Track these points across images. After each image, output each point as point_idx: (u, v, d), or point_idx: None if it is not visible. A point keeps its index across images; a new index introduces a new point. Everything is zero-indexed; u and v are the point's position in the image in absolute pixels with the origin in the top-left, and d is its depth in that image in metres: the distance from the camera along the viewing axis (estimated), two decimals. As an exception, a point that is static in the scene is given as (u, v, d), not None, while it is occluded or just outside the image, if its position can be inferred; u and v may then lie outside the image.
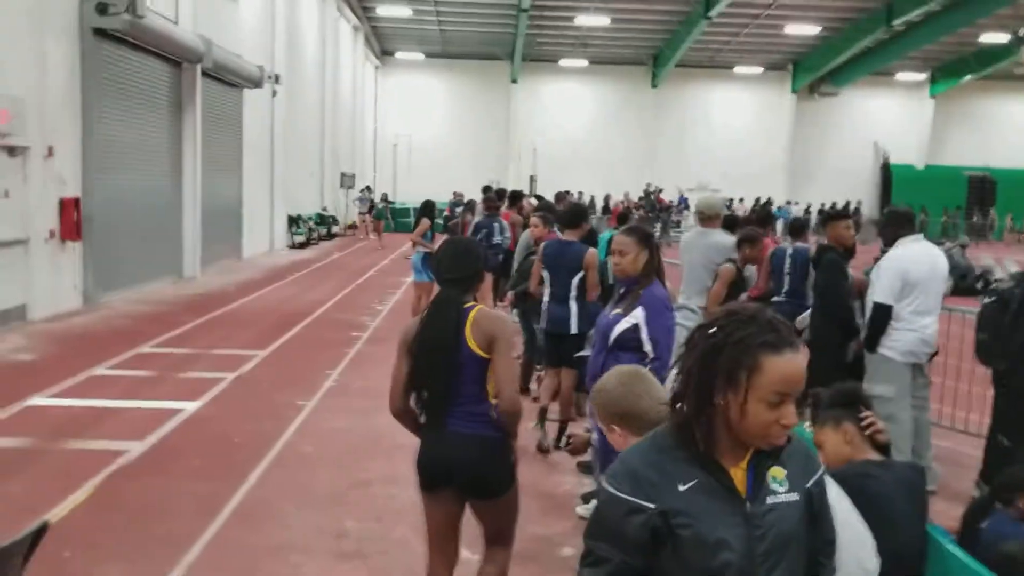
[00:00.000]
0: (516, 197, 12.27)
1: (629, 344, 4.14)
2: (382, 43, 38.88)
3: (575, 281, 6.27)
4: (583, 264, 6.27)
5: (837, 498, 2.62)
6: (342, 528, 4.99)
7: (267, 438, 6.58)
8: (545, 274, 6.46)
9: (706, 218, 7.02)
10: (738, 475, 1.80)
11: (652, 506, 1.76)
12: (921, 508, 3.12)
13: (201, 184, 16.56)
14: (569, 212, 6.85)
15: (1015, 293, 5.58)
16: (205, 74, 16.60)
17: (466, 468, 3.30)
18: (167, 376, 8.50)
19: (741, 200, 34.71)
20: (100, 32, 12.37)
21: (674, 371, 1.93)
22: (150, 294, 13.97)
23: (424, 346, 3.28)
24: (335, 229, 28.98)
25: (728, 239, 6.93)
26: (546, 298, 6.44)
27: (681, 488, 1.77)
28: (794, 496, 1.83)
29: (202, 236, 16.68)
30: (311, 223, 25.84)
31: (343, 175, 30.38)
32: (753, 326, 1.76)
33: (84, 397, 7.59)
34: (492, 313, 3.41)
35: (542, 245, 7.01)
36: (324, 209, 28.56)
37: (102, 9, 12.01)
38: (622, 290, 4.27)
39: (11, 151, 10.50)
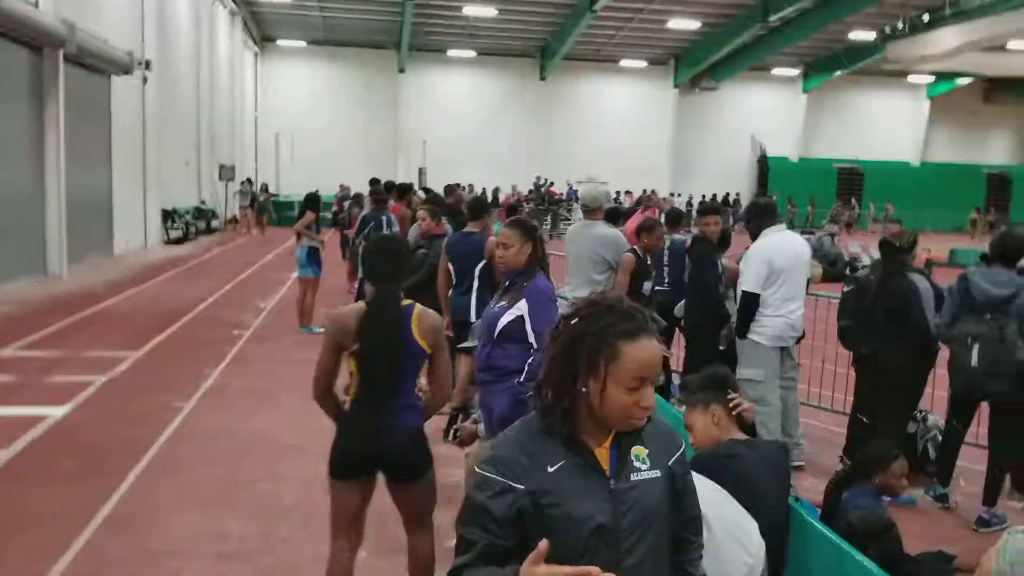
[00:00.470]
0: (404, 190, 12.17)
1: (514, 336, 4.17)
2: (262, 29, 37.78)
3: (477, 271, 6.53)
4: (485, 253, 6.46)
5: (711, 491, 2.72)
6: (224, 530, 4.86)
7: (142, 442, 6.33)
8: (451, 266, 6.72)
9: (590, 210, 7.14)
10: (602, 455, 1.89)
11: (521, 486, 1.82)
12: (784, 484, 3.28)
13: (66, 176, 15.66)
14: (472, 204, 7.20)
15: (872, 280, 5.92)
16: (68, 60, 15.73)
17: (397, 456, 3.49)
18: (31, 381, 8.07)
19: (628, 192, 35.43)
20: (-49, 15, 11.59)
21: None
22: (10, 294, 13.16)
23: (372, 342, 3.40)
24: (215, 223, 28.06)
25: (611, 231, 7.06)
26: (452, 290, 6.70)
27: (550, 469, 1.84)
28: (656, 473, 1.93)
29: (68, 231, 15.78)
30: (188, 217, 24.92)
31: (222, 167, 29.39)
32: (611, 315, 1.85)
33: (-61, 404, 7.14)
34: (431, 312, 3.58)
35: (446, 238, 7.15)
36: (202, 202, 27.58)
37: (-47, -10, 11.26)
38: (507, 283, 4.29)
39: None
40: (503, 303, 4.22)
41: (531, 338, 4.12)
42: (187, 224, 24.54)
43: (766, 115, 42.94)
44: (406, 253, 3.66)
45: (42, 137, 15.17)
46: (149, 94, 21.35)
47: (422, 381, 3.78)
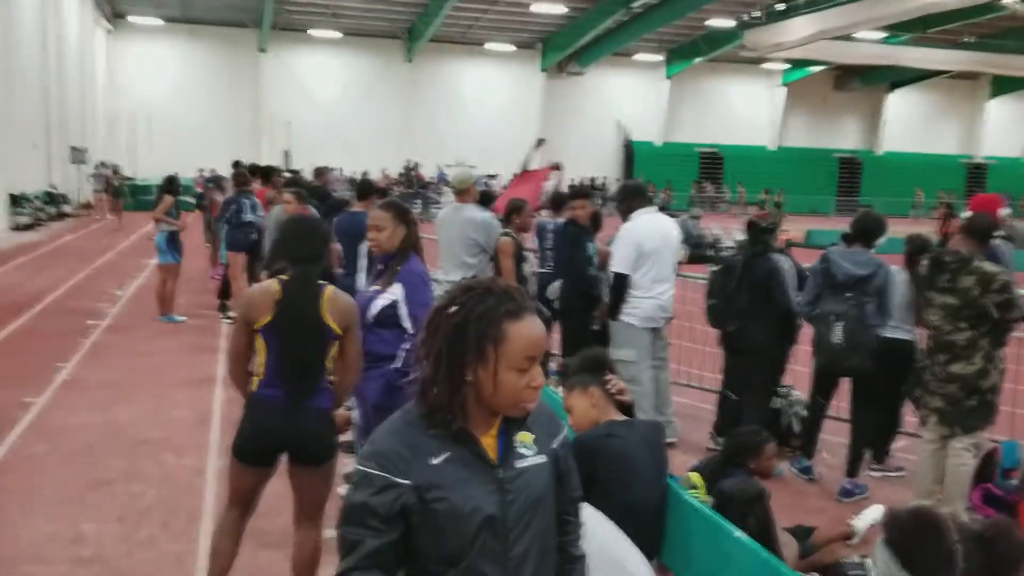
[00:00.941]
0: (268, 173, 11.78)
1: (388, 321, 4.10)
2: (113, 5, 35.78)
3: (363, 250, 6.58)
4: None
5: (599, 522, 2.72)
6: (79, 532, 4.58)
7: (-12, 442, 5.91)
8: (338, 247, 6.79)
9: (459, 192, 7.10)
10: (488, 443, 1.83)
11: (405, 482, 1.75)
12: (661, 462, 3.36)
13: None
14: (360, 185, 7.70)
15: (738, 260, 6.13)
16: None
17: (305, 438, 3.46)
18: None
19: (495, 176, 35.58)
20: None
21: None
22: None
23: (291, 325, 3.39)
24: (67, 209, 26.46)
25: (483, 214, 7.05)
26: (339, 270, 6.75)
27: (433, 461, 1.77)
28: (542, 458, 1.89)
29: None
30: (38, 202, 23.41)
31: (73, 149, 27.71)
32: (492, 298, 1.79)
33: None
34: (343, 294, 3.55)
35: (335, 219, 7.16)
36: (53, 187, 25.94)
37: None
38: (380, 266, 4.22)
39: None
40: (376, 287, 4.15)
41: (406, 323, 4.06)
42: (37, 209, 23.05)
43: (631, 100, 43.92)
44: (326, 234, 3.65)
45: None
46: (-12, 71, 19.86)
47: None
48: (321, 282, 3.50)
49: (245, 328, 3.46)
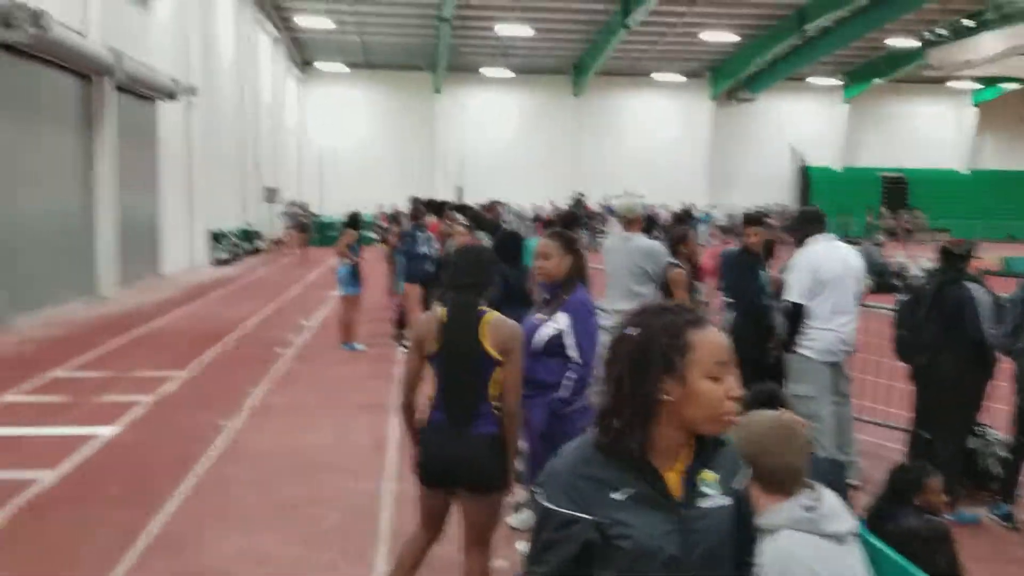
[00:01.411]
0: (441, 207, 12.19)
1: (553, 349, 4.11)
2: (303, 53, 38.36)
3: None
4: None
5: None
6: (266, 553, 4.83)
7: (188, 461, 6.36)
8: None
9: (627, 222, 7.05)
10: (673, 480, 1.76)
11: (588, 517, 1.71)
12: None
13: (115, 200, 16.01)
14: (564, 216, 8.25)
15: (927, 289, 5.73)
16: (117, 87, 16.09)
17: (475, 465, 3.49)
18: (81, 401, 8.16)
19: (664, 207, 35.17)
20: (3, 46, 11.87)
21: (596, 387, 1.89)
22: (63, 316, 13.42)
23: (451, 352, 3.48)
24: (260, 244, 28.42)
25: (651, 242, 6.97)
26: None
27: (615, 496, 1.72)
28: (727, 500, 1.82)
29: (118, 254, 16.13)
30: (234, 238, 25.28)
31: (267, 189, 29.81)
32: (668, 313, 1.77)
33: (-9, 426, 7.24)
34: (506, 320, 3.57)
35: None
36: (248, 225, 27.96)
37: (5, 22, 11.52)
38: (546, 296, 4.23)
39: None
40: (542, 316, 4.16)
41: (571, 352, 4.05)
42: (234, 245, 24.88)
43: (806, 125, 42.49)
44: (488, 263, 3.66)
45: (92, 162, 15.50)
46: (195, 119, 21.72)
47: None
48: (483, 308, 3.52)
49: (417, 354, 3.56)
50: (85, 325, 12.74)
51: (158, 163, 19.51)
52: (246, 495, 5.76)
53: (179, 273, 20.44)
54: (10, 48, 12.11)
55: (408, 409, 3.64)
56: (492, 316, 3.52)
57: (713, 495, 1.79)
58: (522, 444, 4.60)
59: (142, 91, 17.67)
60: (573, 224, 8.62)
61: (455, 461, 3.50)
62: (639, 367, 1.73)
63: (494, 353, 3.45)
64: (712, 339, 1.74)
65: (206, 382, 9.15)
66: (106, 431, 7.11)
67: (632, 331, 1.77)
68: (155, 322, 13.12)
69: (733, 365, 1.76)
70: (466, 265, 3.61)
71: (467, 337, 3.45)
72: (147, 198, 18.89)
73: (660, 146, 40.96)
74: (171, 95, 19.07)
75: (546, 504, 1.74)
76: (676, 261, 6.71)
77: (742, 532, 1.89)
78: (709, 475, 1.80)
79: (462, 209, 11.86)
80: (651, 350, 1.72)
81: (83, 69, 14.63)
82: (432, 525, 3.68)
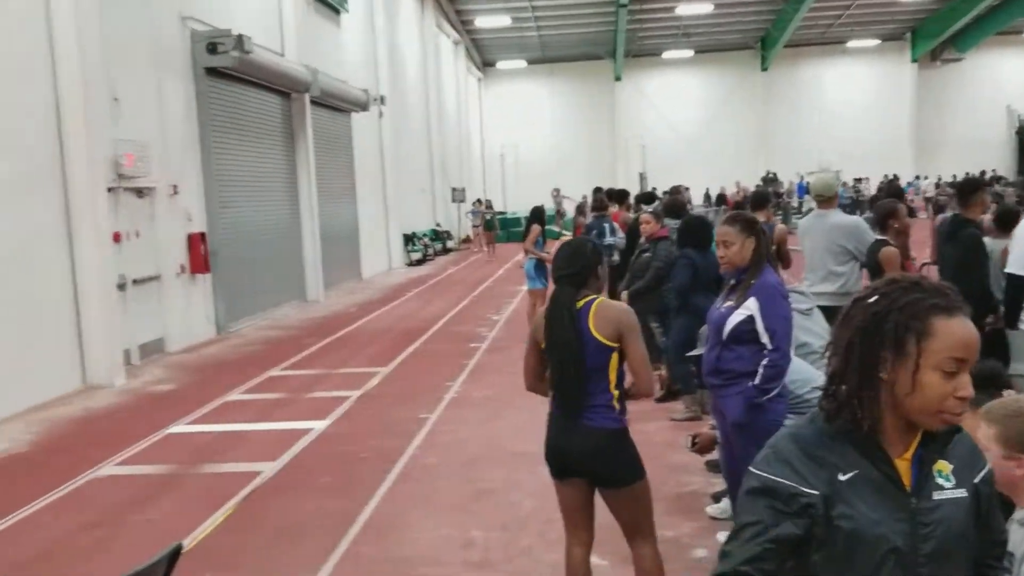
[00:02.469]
0: (623, 196, 12.12)
1: (744, 337, 3.98)
2: (483, 54, 39.30)
3: None
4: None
5: None
6: (469, 538, 5.00)
7: (392, 452, 6.69)
8: None
9: (824, 199, 6.71)
10: (902, 466, 1.65)
11: (814, 492, 1.61)
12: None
13: (318, 209, 17.10)
14: (754, 196, 8.01)
15: None
16: (313, 102, 17.15)
17: (592, 460, 3.46)
18: (296, 397, 8.78)
19: (864, 180, 33.23)
20: (212, 71, 12.96)
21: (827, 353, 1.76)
22: (277, 319, 14.50)
23: (554, 343, 3.48)
24: (450, 244, 29.39)
25: (850, 218, 6.62)
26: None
27: (842, 478, 1.62)
28: (961, 492, 1.67)
29: (323, 260, 17.22)
30: (426, 239, 26.30)
31: (453, 189, 30.81)
32: (918, 291, 1.61)
33: (219, 422, 7.92)
34: (614, 303, 3.58)
35: None
36: (438, 225, 29.00)
37: (212, 48, 12.56)
38: (732, 282, 4.10)
39: (139, 192, 11.09)
40: (730, 303, 4.03)
41: (764, 338, 3.90)
42: (425, 246, 25.90)
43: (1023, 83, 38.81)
44: (587, 253, 3.59)
45: (295, 176, 16.62)
46: (385, 127, 22.79)
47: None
48: (591, 296, 3.48)
49: (534, 349, 3.62)
50: (296, 327, 13.68)
51: (355, 172, 20.62)
52: (447, 483, 5.98)
53: (377, 275, 21.53)
54: (219, 72, 13.17)
55: (539, 389, 3.69)
56: (600, 302, 3.46)
57: (947, 486, 1.66)
58: (718, 434, 4.51)
59: (336, 104, 18.73)
60: (764, 204, 8.30)
61: (570, 453, 3.48)
62: (865, 341, 1.61)
63: (604, 340, 3.39)
64: (956, 332, 1.57)
65: (407, 376, 9.58)
66: (319, 425, 7.60)
67: (872, 299, 1.64)
68: (358, 323, 13.88)
69: (973, 363, 1.60)
70: (566, 256, 3.58)
71: (567, 327, 3.41)
72: (346, 206, 20.02)
73: (857, 116, 38.80)
74: (363, 106, 20.09)
75: (768, 476, 1.64)
76: (885, 238, 6.28)
77: (983, 532, 1.73)
78: (943, 465, 1.67)
79: (649, 198, 11.72)
80: (884, 325, 1.60)
81: (283, 87, 15.70)
82: (573, 523, 3.62)
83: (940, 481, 1.65)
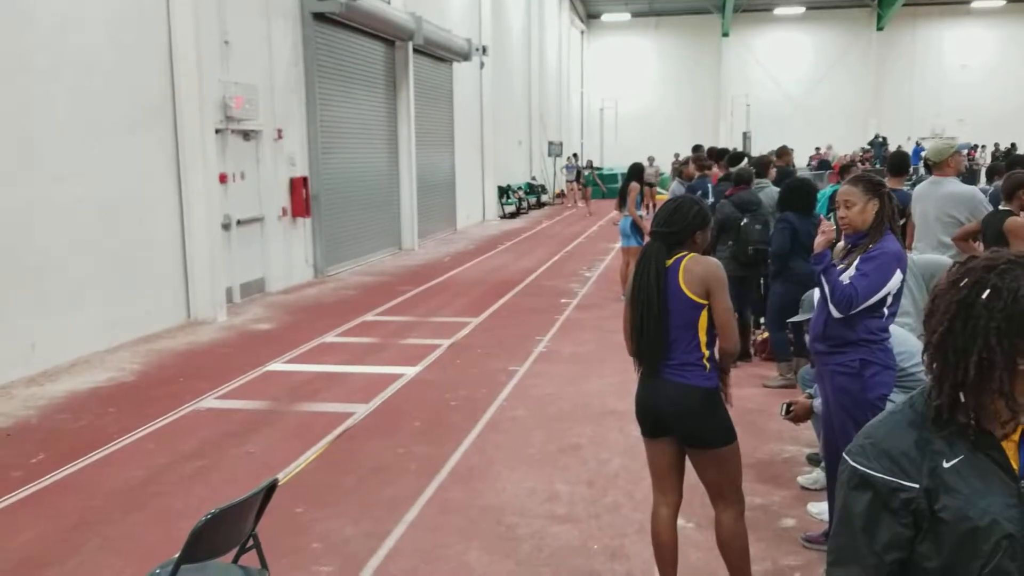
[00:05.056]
0: (721, 155, 11.80)
1: (857, 304, 3.81)
2: (587, 6, 38.67)
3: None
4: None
5: None
6: (554, 491, 5.02)
7: (481, 402, 6.76)
8: None
9: (936, 166, 6.39)
10: (1010, 449, 1.56)
11: (914, 485, 1.53)
12: None
13: (416, 159, 17.24)
14: (892, 158, 7.36)
15: None
16: (416, 51, 17.20)
17: (679, 418, 3.44)
18: (389, 343, 8.94)
19: (981, 148, 31.58)
20: (319, 16, 13.11)
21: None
22: (372, 266, 14.77)
23: (636, 298, 3.46)
24: (544, 198, 29.29)
25: (964, 188, 6.28)
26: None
27: (946, 464, 1.54)
28: None
29: (418, 209, 17.41)
30: (520, 193, 26.27)
31: (550, 143, 30.61)
32: (1019, 269, 1.51)
33: (315, 363, 8.13)
34: (703, 258, 3.47)
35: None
36: (533, 178, 28.92)
37: (319, -6, 12.70)
38: (849, 246, 3.91)
39: (246, 135, 11.37)
40: (843, 266, 3.86)
41: (884, 306, 3.71)
42: (520, 199, 25.89)
43: None
44: (687, 211, 3.49)
45: (396, 124, 16.77)
46: (485, 78, 22.72)
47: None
48: (682, 252, 3.43)
49: (627, 303, 3.57)
50: (390, 274, 13.91)
51: (453, 122, 20.67)
52: (534, 436, 6.01)
53: (471, 227, 21.66)
54: (326, 18, 13.30)
55: (633, 355, 3.62)
56: (690, 257, 3.42)
57: None
58: (816, 404, 4.38)
59: (439, 53, 18.74)
60: (903, 170, 7.84)
61: (660, 410, 3.46)
62: (1000, 335, 1.50)
63: (694, 296, 3.36)
64: None
65: (497, 328, 9.64)
66: (411, 371, 7.73)
67: (985, 295, 1.53)
68: (451, 272, 14.01)
69: None
70: (667, 213, 3.51)
71: (651, 282, 3.38)
72: (444, 156, 20.12)
73: (977, 81, 36.76)
74: (465, 56, 20.05)
75: (861, 469, 1.58)
76: (1009, 208, 5.93)
77: None
78: None
79: (737, 158, 11.35)
80: (1017, 316, 1.49)
81: (388, 34, 15.77)
82: (661, 483, 3.60)
83: None
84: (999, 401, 1.53)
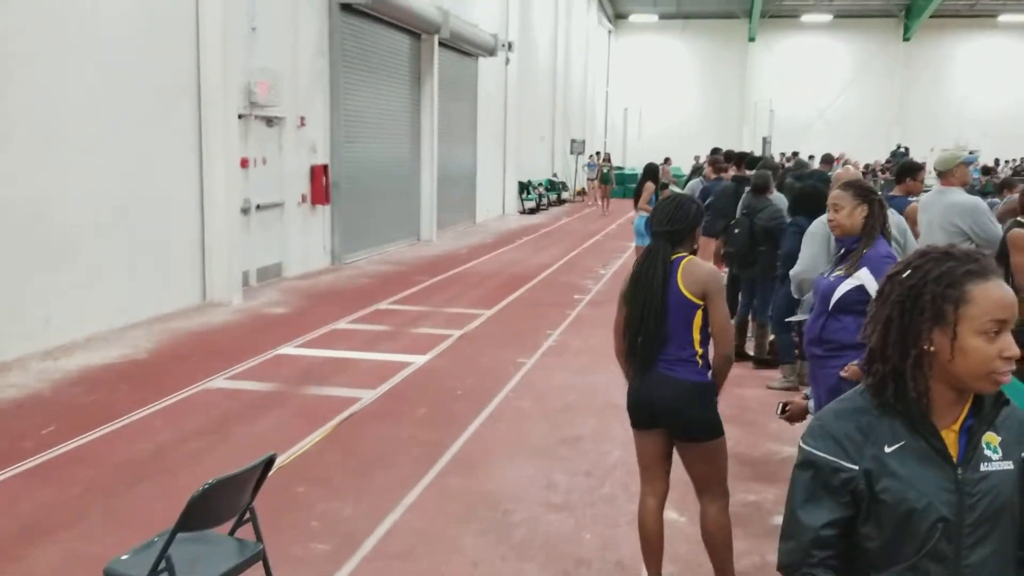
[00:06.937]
0: (740, 159, 11.80)
1: (852, 307, 3.88)
2: (615, 6, 38.64)
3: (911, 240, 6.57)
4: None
5: None
6: (552, 480, 5.10)
7: (487, 392, 6.84)
8: None
9: (943, 176, 6.42)
10: (949, 438, 1.66)
11: (854, 467, 1.65)
12: None
13: (438, 151, 17.34)
14: (899, 167, 7.33)
15: None
16: (442, 44, 17.28)
17: (670, 410, 3.52)
18: (401, 331, 9.04)
19: (1007, 162, 31.31)
20: (346, 7, 13.22)
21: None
22: (389, 255, 14.89)
23: (636, 294, 3.55)
24: (564, 195, 29.32)
25: (969, 198, 6.29)
26: None
27: (888, 450, 1.65)
28: (1008, 465, 1.67)
29: (438, 201, 17.50)
30: (541, 189, 26.32)
31: (573, 141, 30.63)
32: (950, 260, 1.64)
33: (326, 348, 8.24)
34: (702, 263, 3.58)
35: None
36: (554, 175, 28.95)
37: (347, -15, 12.81)
38: (843, 250, 3.99)
39: (268, 121, 11.50)
40: (839, 272, 3.93)
41: None
42: (540, 195, 25.94)
43: None
44: (688, 211, 3.58)
45: (419, 116, 16.87)
46: (511, 74, 22.77)
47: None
48: (681, 254, 3.53)
49: (620, 300, 3.66)
50: (407, 264, 14.02)
51: (476, 116, 20.75)
52: (537, 427, 6.09)
53: (490, 220, 21.75)
54: (353, 8, 13.41)
55: (621, 355, 3.72)
56: (689, 260, 3.53)
57: (995, 458, 1.66)
58: (811, 404, 4.43)
59: (465, 47, 18.82)
60: (905, 175, 7.85)
61: (652, 402, 3.53)
62: (905, 314, 1.64)
63: (690, 296, 3.46)
64: (992, 295, 1.60)
65: (509, 321, 9.72)
66: (419, 359, 7.82)
67: (905, 274, 1.67)
68: (467, 265, 14.11)
69: (1011, 323, 1.61)
70: (668, 212, 3.58)
71: (653, 282, 3.47)
72: (466, 150, 20.21)
73: (1004, 95, 36.41)
74: (491, 51, 20.11)
75: (810, 451, 1.69)
76: (1019, 219, 5.93)
77: None
78: (991, 436, 1.67)
79: (752, 162, 11.35)
80: (921, 297, 1.63)
81: (414, 27, 15.87)
82: (649, 473, 3.68)
83: (988, 453, 1.66)
84: (939, 389, 1.64)
